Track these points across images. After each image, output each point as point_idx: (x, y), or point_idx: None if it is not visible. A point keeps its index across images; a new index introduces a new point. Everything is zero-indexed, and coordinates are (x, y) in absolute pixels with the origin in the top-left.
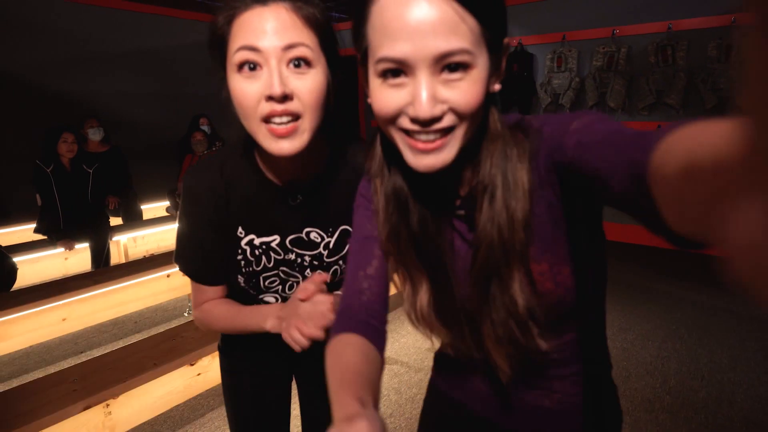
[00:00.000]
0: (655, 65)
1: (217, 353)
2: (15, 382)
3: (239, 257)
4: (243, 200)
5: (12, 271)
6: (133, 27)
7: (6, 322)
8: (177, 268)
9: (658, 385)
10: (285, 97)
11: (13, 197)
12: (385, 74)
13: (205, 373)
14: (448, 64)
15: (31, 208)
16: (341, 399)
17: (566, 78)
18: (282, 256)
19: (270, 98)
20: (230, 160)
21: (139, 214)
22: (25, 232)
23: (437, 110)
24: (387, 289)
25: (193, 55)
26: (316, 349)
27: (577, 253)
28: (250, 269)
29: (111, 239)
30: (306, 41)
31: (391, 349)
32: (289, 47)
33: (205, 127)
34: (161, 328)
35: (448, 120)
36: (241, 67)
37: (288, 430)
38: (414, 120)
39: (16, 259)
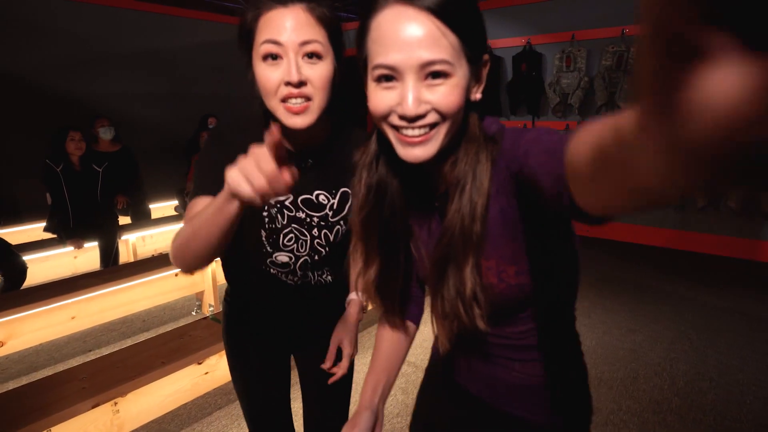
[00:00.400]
0: None
1: (223, 353)
2: (24, 380)
3: (264, 213)
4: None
5: (22, 270)
6: (141, 27)
7: (16, 320)
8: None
9: (666, 386)
10: (300, 83)
11: (23, 196)
12: (380, 79)
13: (212, 371)
14: (431, 72)
15: (41, 207)
16: (364, 385)
17: (575, 78)
18: (293, 213)
19: (288, 83)
20: (252, 130)
21: (148, 213)
22: (34, 230)
23: (421, 109)
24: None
25: (201, 55)
26: (315, 330)
27: (534, 256)
28: (273, 226)
29: (120, 238)
30: (318, 38)
31: None
32: (305, 43)
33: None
34: (169, 327)
35: (431, 118)
36: (265, 57)
37: (288, 399)
38: (402, 117)
39: (25, 258)
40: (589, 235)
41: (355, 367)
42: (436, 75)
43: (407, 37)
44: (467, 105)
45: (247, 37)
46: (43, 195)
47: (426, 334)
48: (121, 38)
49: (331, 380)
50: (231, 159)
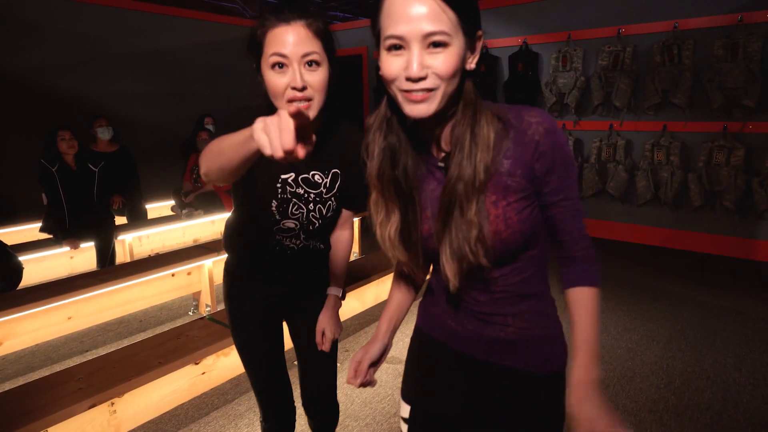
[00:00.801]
0: (660, 64)
1: (221, 353)
2: (21, 381)
3: (278, 185)
4: None
5: (18, 270)
6: (140, 27)
7: (12, 321)
8: (181, 268)
9: (663, 385)
10: (303, 88)
11: (21, 196)
12: (390, 48)
13: (209, 372)
14: (432, 42)
15: (37, 207)
16: (380, 322)
17: (571, 77)
18: (294, 189)
19: (293, 88)
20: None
21: (144, 213)
22: (31, 231)
23: (423, 72)
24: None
25: (200, 55)
26: (306, 296)
27: (532, 210)
28: (283, 196)
29: (116, 238)
30: (316, 49)
31: (395, 348)
32: (305, 54)
33: (210, 126)
34: (166, 327)
35: (431, 81)
36: (273, 66)
37: (283, 353)
38: (408, 79)
39: (21, 258)
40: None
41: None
42: (437, 44)
43: (413, 13)
44: (463, 73)
45: (256, 48)
46: (39, 195)
47: None
48: (120, 38)
49: (320, 348)
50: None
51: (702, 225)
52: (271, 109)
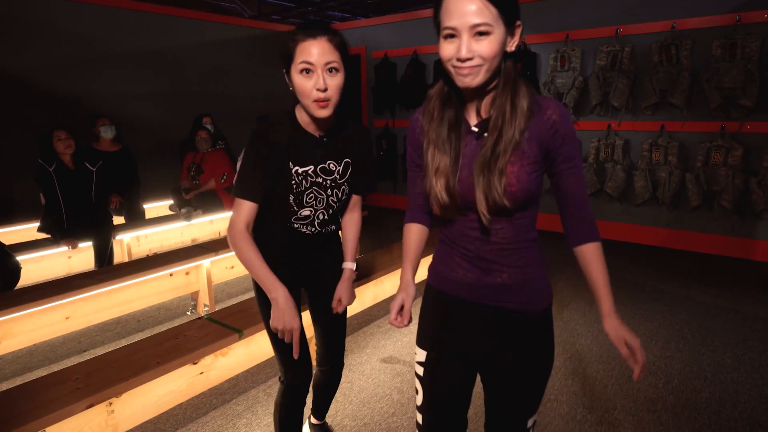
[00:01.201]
0: (659, 64)
1: (219, 353)
2: (18, 381)
3: (293, 181)
4: (292, 146)
5: (16, 270)
6: (138, 27)
7: (9, 321)
8: (179, 267)
9: (661, 385)
10: (325, 89)
11: (20, 196)
12: (446, 36)
13: (207, 371)
14: (477, 31)
15: (36, 207)
16: (403, 266)
17: (569, 77)
18: (314, 179)
19: (318, 90)
20: (279, 125)
21: (142, 213)
22: (28, 230)
23: (470, 54)
24: (426, 197)
25: (200, 55)
26: (321, 269)
27: (538, 173)
28: (299, 189)
29: (114, 238)
30: (335, 58)
31: (394, 348)
32: (327, 63)
33: (208, 126)
34: (164, 327)
35: (476, 61)
36: (302, 71)
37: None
38: (458, 59)
39: (19, 258)
40: None
41: (352, 366)
42: (481, 33)
43: (464, 9)
44: (504, 54)
45: (288, 56)
46: (38, 195)
47: None
48: (118, 38)
49: (335, 312)
50: (274, 154)
51: (700, 225)
52: (292, 119)
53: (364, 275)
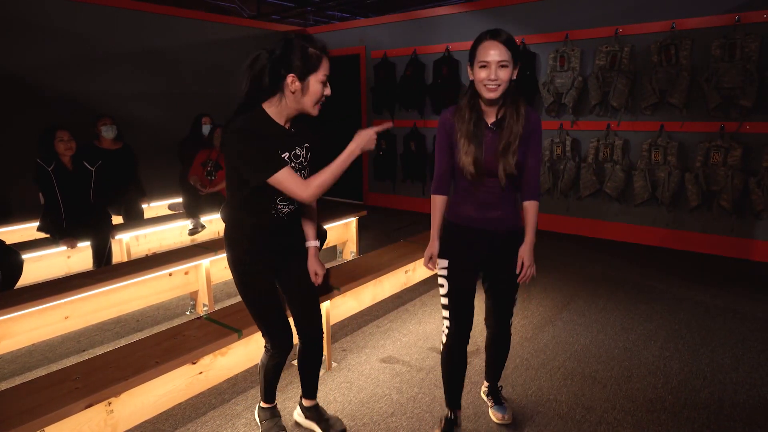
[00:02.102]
0: (658, 64)
1: (218, 352)
2: (17, 380)
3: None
4: (275, 136)
5: (18, 266)
6: (137, 27)
7: (8, 320)
8: (178, 267)
9: (660, 385)
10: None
11: (19, 196)
12: (481, 66)
13: (207, 371)
14: (500, 65)
15: (35, 206)
16: (433, 227)
17: (569, 77)
18: (293, 161)
19: (326, 96)
20: (257, 121)
21: (141, 213)
22: (28, 230)
23: (495, 77)
24: (452, 173)
25: (199, 54)
26: (292, 249)
27: (524, 156)
28: (292, 165)
29: (113, 238)
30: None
31: (393, 348)
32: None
33: (208, 126)
34: (163, 327)
35: (498, 82)
36: (323, 82)
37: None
38: (488, 80)
39: (21, 256)
40: (583, 235)
41: (351, 366)
42: (502, 66)
43: (493, 52)
44: (511, 80)
45: (314, 66)
46: (37, 194)
47: (421, 334)
48: (118, 38)
49: (318, 283)
50: (270, 144)
51: (699, 225)
52: (266, 117)
53: (362, 275)
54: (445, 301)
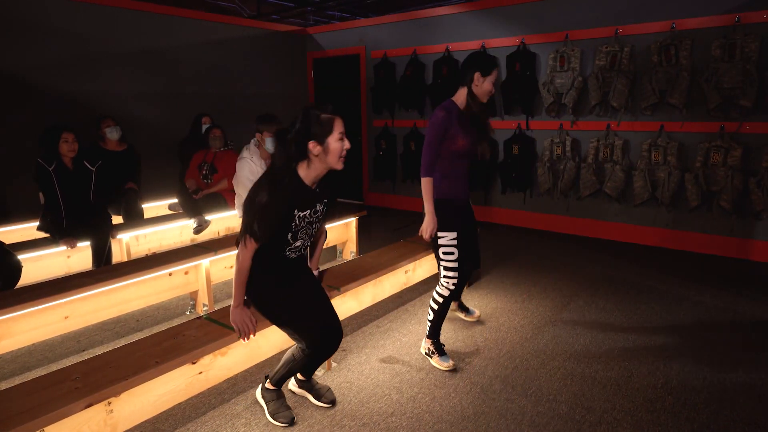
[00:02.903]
0: (658, 65)
1: (218, 352)
2: (17, 380)
3: (293, 223)
4: (296, 197)
5: (16, 269)
6: (137, 26)
7: (8, 320)
8: (178, 267)
9: (660, 385)
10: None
11: (20, 196)
12: (492, 82)
13: (206, 371)
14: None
15: (35, 206)
16: (427, 205)
17: (569, 77)
18: (308, 220)
19: (346, 151)
20: (283, 183)
21: (141, 213)
22: (28, 230)
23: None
24: (437, 159)
25: (196, 54)
26: (303, 270)
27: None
28: (296, 227)
29: (113, 238)
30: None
31: (393, 348)
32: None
33: (208, 126)
34: (163, 327)
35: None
36: (339, 139)
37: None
38: (492, 91)
39: (18, 257)
40: (583, 235)
41: (351, 366)
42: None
43: (495, 76)
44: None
45: (329, 129)
46: (37, 194)
47: (421, 334)
48: (117, 38)
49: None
50: (287, 205)
51: (699, 225)
52: (297, 178)
53: (362, 275)
54: (453, 264)
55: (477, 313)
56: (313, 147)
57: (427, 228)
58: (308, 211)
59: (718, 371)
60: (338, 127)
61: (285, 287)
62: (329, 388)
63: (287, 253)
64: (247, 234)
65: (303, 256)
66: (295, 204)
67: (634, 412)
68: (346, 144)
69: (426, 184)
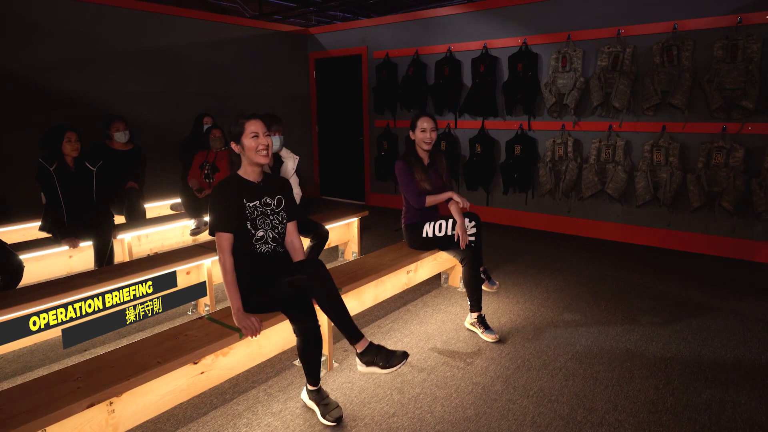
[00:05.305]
0: (660, 65)
1: (220, 352)
2: (19, 380)
3: (247, 211)
4: (239, 189)
5: (18, 269)
6: (138, 26)
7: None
8: (180, 267)
9: (661, 386)
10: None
11: (20, 196)
12: (421, 131)
13: (208, 371)
14: (432, 130)
15: (37, 206)
16: (455, 216)
17: (571, 78)
18: (261, 210)
19: (264, 146)
20: (226, 181)
21: (143, 212)
22: (30, 230)
23: (433, 135)
24: (422, 191)
25: (197, 54)
26: (286, 270)
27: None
28: (252, 216)
29: (115, 238)
30: (267, 130)
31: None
32: (266, 131)
33: (208, 126)
34: (165, 327)
35: (434, 139)
36: (252, 137)
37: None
38: (426, 141)
39: (20, 257)
40: (585, 236)
41: (352, 366)
42: (433, 130)
43: (428, 124)
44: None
45: (241, 130)
46: (38, 194)
47: (423, 334)
48: (118, 37)
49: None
50: (233, 199)
51: (701, 226)
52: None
53: (363, 275)
54: (450, 230)
55: (497, 284)
56: (234, 147)
57: (462, 225)
58: (257, 201)
59: (720, 372)
60: (249, 127)
61: (261, 282)
62: (338, 405)
63: (257, 246)
64: (211, 232)
65: (279, 254)
66: (240, 194)
67: (636, 413)
68: (262, 140)
69: (427, 203)
